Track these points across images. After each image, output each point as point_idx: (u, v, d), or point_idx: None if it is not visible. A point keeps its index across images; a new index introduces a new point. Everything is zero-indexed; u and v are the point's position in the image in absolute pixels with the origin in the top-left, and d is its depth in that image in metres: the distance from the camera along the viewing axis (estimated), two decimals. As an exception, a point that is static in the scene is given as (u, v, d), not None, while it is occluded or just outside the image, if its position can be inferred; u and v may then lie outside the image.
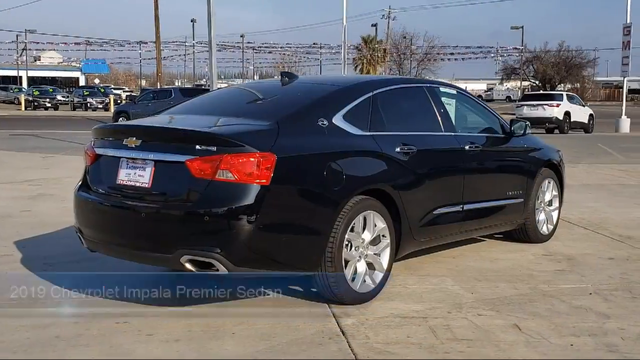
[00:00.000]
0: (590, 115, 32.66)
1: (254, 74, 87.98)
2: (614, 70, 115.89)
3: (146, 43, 79.73)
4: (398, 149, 5.07)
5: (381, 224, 4.87)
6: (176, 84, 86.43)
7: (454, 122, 5.84)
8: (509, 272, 5.78)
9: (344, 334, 4.22)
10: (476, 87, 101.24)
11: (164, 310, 4.69)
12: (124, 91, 72.09)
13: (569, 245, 6.83)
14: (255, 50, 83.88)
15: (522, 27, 67.46)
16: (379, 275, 4.90)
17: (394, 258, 5.03)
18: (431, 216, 5.37)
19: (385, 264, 4.93)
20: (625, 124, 30.59)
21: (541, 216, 6.87)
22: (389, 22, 79.82)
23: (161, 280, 5.53)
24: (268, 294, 5.02)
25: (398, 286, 5.21)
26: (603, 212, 8.82)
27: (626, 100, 34.64)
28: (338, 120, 4.81)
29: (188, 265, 4.23)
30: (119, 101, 51.61)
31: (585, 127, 31.38)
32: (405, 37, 76.36)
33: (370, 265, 4.86)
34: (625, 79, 34.46)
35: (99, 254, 6.13)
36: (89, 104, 52.19)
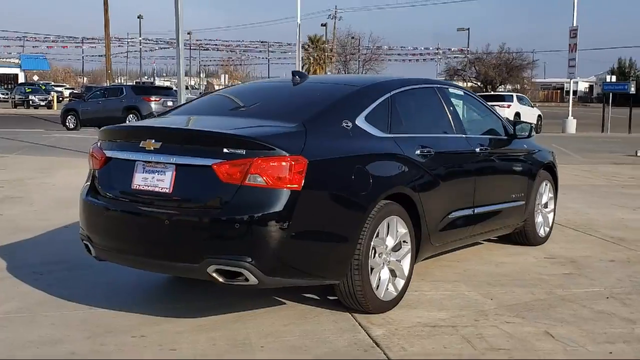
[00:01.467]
0: (539, 116, 33.32)
1: (199, 72, 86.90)
2: (551, 72, 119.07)
3: (89, 39, 77.95)
4: (418, 152, 4.92)
5: (403, 230, 4.71)
6: (116, 82, 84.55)
7: (463, 123, 5.72)
8: (518, 276, 5.70)
9: (378, 345, 4.04)
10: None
11: (179, 322, 4.43)
12: (65, 88, 70.21)
13: (567, 248, 6.81)
14: (202, 48, 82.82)
15: (468, 29, 68.41)
16: (400, 282, 4.75)
17: (414, 264, 4.88)
18: (447, 220, 5.24)
19: (406, 271, 4.78)
20: (571, 124, 31.22)
21: (539, 218, 6.83)
22: (335, 22, 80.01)
23: (167, 290, 5.29)
24: (284, 303, 4.82)
25: (414, 293, 5.05)
26: (585, 213, 8.87)
27: (564, 101, 35.45)
28: (361, 121, 4.63)
29: (215, 275, 3.98)
30: (62, 99, 50.15)
31: (534, 128, 31.89)
32: (353, 38, 76.57)
33: (392, 272, 4.70)
34: (572, 80, 35.19)
35: (90, 261, 5.86)
36: (31, 102, 50.60)
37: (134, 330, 4.28)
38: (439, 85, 5.75)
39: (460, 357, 3.90)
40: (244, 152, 3.94)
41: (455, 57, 76.05)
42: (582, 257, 6.42)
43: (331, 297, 4.90)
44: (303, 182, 3.99)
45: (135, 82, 65.99)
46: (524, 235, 6.69)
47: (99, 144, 4.64)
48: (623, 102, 36.93)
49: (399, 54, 78.72)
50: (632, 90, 32.48)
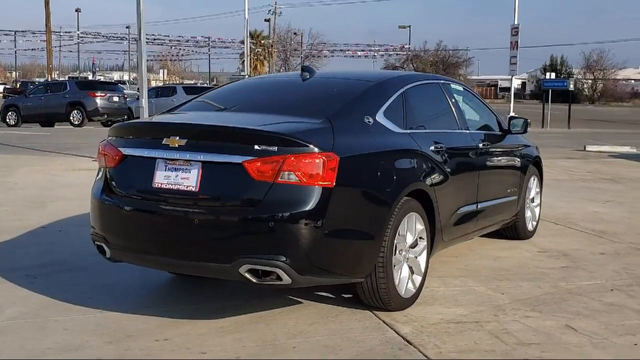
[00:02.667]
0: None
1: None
2: (485, 70, 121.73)
3: (24, 32, 75.42)
4: (432, 147, 4.91)
5: (420, 226, 4.69)
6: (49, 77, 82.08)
7: (466, 119, 5.74)
8: (519, 270, 5.76)
9: (411, 344, 4.00)
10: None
11: (198, 323, 4.30)
12: (-1, 84, 67.83)
13: (555, 242, 6.91)
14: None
15: (409, 26, 69.10)
16: (417, 279, 4.72)
17: (429, 260, 4.87)
18: (456, 216, 5.25)
19: (422, 267, 4.77)
20: (511, 120, 31.76)
21: (528, 213, 6.92)
22: (274, 18, 79.67)
23: (173, 291, 5.16)
24: (300, 302, 4.73)
25: (425, 289, 5.00)
26: (558, 207, 9.04)
27: (498, 98, 36.22)
28: (380, 117, 4.58)
29: (247, 275, 3.86)
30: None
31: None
32: (296, 34, 76.46)
33: (410, 269, 4.67)
34: (513, 77, 35.93)
35: (83, 263, 5.66)
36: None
37: (155, 333, 4.13)
38: (443, 81, 5.76)
39: (494, 353, 3.90)
40: (276, 149, 3.84)
41: (397, 54, 76.88)
42: (572, 250, 6.53)
43: (346, 295, 4.85)
44: (335, 179, 3.91)
45: (69, 77, 64.23)
46: (514, 230, 6.77)
47: (111, 140, 4.44)
48: (554, 99, 37.82)
49: (341, 50, 78.98)
50: (572, 87, 33.45)
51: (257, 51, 78.95)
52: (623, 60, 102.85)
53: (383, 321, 4.38)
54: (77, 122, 26.28)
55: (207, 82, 78.14)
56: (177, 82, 67.27)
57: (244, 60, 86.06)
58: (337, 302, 4.74)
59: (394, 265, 4.44)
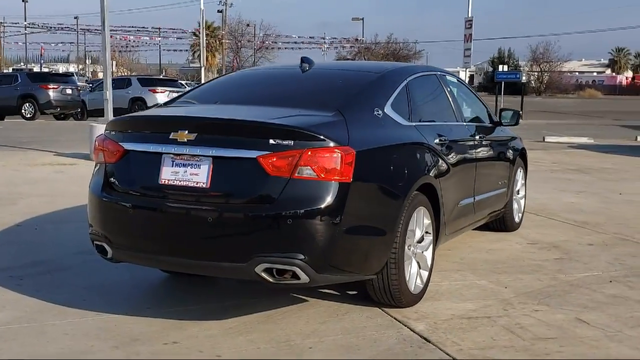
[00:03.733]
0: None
1: (85, 58, 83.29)
2: (434, 63, 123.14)
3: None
4: (437, 140, 4.82)
5: (427, 220, 4.61)
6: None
7: (462, 110, 5.68)
8: (514, 263, 5.73)
9: (429, 341, 3.91)
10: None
11: (204, 324, 4.14)
12: None
13: (541, 233, 6.93)
14: (90, 33, 79.24)
15: (363, 19, 69.12)
16: (424, 274, 4.65)
17: (434, 255, 4.79)
18: (457, 209, 5.19)
19: (429, 262, 4.69)
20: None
21: (515, 205, 6.91)
22: (225, 8, 78.89)
23: (168, 291, 4.97)
24: (306, 300, 4.60)
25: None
26: (534, 198, 9.07)
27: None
28: (388, 109, 4.47)
29: (264, 275, 3.72)
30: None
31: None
32: (248, 25, 75.91)
33: (418, 265, 4.58)
34: (467, 69, 36.36)
35: (66, 263, 5.43)
36: None
37: (162, 336, 3.95)
38: (439, 73, 5.68)
39: (513, 349, 3.84)
40: (292, 143, 3.69)
41: (351, 46, 76.99)
42: (561, 241, 6.54)
43: (351, 292, 4.75)
44: (352, 174, 3.79)
45: (14, 69, 62.34)
46: (502, 222, 6.76)
47: (110, 134, 4.22)
48: (504, 91, 38.21)
49: (295, 42, 78.69)
50: (524, 79, 33.93)
51: (209, 42, 78.06)
52: (568, 52, 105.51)
53: (395, 318, 4.28)
54: (29, 116, 25.52)
55: (160, 74, 76.87)
56: (127, 74, 65.98)
57: (195, 52, 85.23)
58: (344, 299, 4.63)
59: (405, 261, 4.35)
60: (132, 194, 4.05)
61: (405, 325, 4.16)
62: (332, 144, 3.74)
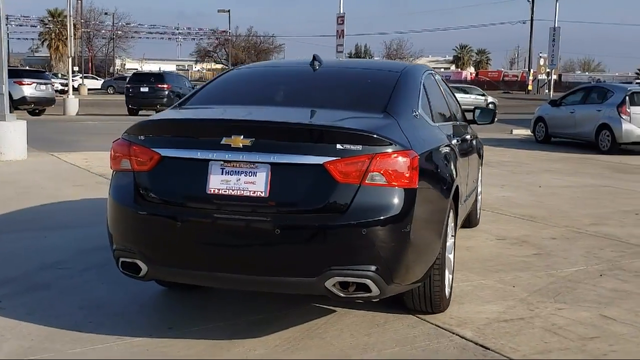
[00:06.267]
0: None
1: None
2: (291, 57, 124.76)
3: None
4: (454, 141, 4.75)
5: (451, 223, 4.53)
6: None
7: (453, 109, 5.65)
8: (500, 260, 5.79)
9: (488, 349, 3.83)
10: (167, 67, 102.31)
11: (245, 343, 3.83)
12: None
13: (500, 228, 7.08)
14: None
15: (229, 10, 68.05)
16: (450, 278, 4.56)
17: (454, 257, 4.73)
18: (461, 209, 5.14)
19: (452, 265, 4.61)
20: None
21: (478, 202, 7.00)
22: (78, -5, 75.20)
23: (178, 306, 4.54)
24: (334, 311, 4.39)
25: (438, 286, 4.89)
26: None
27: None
28: (420, 110, 4.33)
29: (334, 289, 3.46)
30: None
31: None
32: (107, 14, 72.88)
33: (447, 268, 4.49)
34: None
35: (41, 280, 4.91)
36: None
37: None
38: (431, 71, 5.59)
39: (569, 351, 3.84)
40: (360, 147, 3.46)
41: (209, 38, 75.93)
42: (525, 236, 6.71)
43: (375, 300, 4.57)
44: (417, 179, 3.62)
45: None
46: (468, 219, 6.81)
47: (138, 139, 3.77)
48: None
49: (150, 32, 76.44)
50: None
51: (60, 31, 74.16)
52: (420, 49, 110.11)
53: (437, 326, 4.16)
54: (0, 112, 23.41)
55: None
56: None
57: (43, 40, 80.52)
58: (371, 307, 4.43)
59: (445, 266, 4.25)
60: (173, 205, 3.64)
61: (453, 333, 4.06)
62: (399, 148, 3.55)
